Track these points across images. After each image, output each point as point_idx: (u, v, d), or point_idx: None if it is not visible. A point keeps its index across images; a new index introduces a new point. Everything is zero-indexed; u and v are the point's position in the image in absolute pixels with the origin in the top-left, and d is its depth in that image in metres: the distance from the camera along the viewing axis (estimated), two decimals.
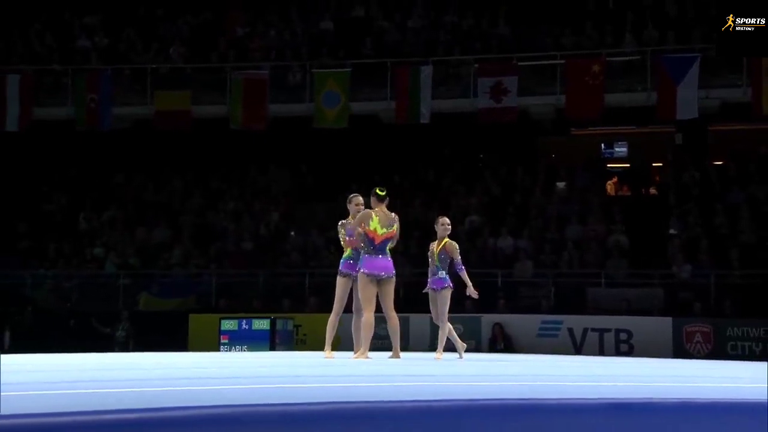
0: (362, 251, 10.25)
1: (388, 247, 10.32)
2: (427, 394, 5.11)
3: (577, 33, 23.28)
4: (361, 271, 10.23)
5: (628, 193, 24.67)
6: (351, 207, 10.66)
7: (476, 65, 22.49)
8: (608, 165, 25.75)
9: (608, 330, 18.27)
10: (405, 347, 18.25)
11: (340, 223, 10.83)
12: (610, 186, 25.14)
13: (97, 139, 23.45)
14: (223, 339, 17.36)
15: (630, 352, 17.88)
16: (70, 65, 23.55)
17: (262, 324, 17.09)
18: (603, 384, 6.43)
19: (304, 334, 18.74)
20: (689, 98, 21.51)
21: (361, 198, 10.65)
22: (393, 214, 10.33)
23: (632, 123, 25.34)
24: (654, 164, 25.47)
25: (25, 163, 24.13)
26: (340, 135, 22.73)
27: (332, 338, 11.02)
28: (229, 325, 17.29)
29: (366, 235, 10.10)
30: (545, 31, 23.39)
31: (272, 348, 16.81)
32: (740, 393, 5.56)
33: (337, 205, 23.08)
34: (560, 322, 18.51)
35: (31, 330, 18.73)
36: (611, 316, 18.65)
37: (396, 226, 10.27)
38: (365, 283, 10.28)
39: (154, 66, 23.33)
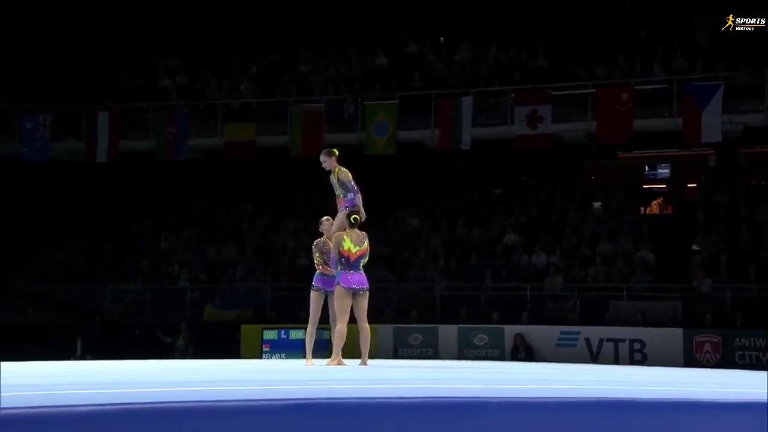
0: (339, 268, 10.36)
1: (361, 264, 10.42)
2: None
3: (609, 63, 22.99)
4: (339, 284, 10.34)
5: (670, 213, 24.25)
6: (323, 228, 10.81)
7: (513, 95, 22.43)
8: (644, 186, 25.32)
9: (623, 340, 17.95)
10: (434, 355, 18.41)
11: (314, 243, 10.92)
12: (655, 206, 24.73)
13: (176, 167, 24.07)
14: (265, 348, 17.72)
15: (643, 361, 17.57)
16: (153, 102, 24.27)
17: (298, 334, 17.31)
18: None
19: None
20: (713, 123, 21.06)
21: (330, 217, 10.80)
22: (362, 232, 10.42)
23: (675, 146, 24.89)
24: (690, 185, 24.97)
25: (114, 190, 24.89)
26: (390, 161, 22.90)
27: (311, 348, 11.07)
28: (270, 335, 17.61)
29: (341, 254, 10.24)
30: (580, 62, 23.17)
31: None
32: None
33: (387, 225, 23.33)
34: (578, 333, 18.26)
35: (100, 339, 19.29)
36: (626, 327, 18.31)
37: (366, 243, 10.36)
38: (341, 296, 10.35)
39: (224, 102, 23.88)
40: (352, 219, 10.34)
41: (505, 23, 24.71)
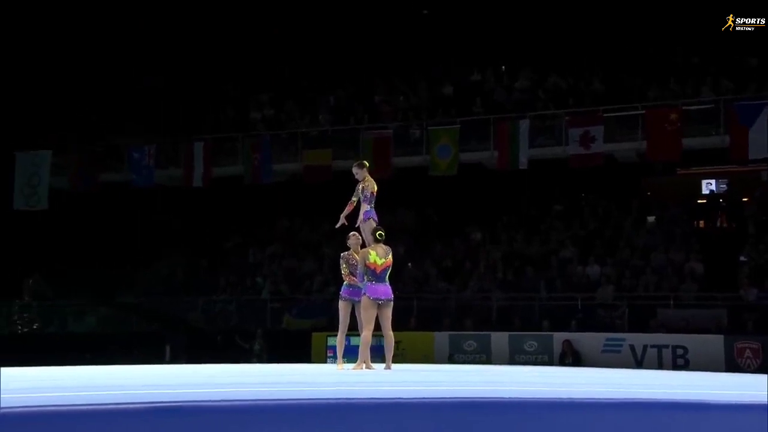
0: (366, 280, 10.22)
1: (387, 276, 10.26)
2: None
3: (661, 86, 22.30)
4: (366, 295, 10.21)
5: (724, 226, 23.31)
6: (351, 242, 10.70)
7: (567, 118, 21.94)
8: (700, 201, 24.38)
9: (666, 346, 17.24)
10: (487, 360, 18.04)
11: (341, 256, 10.81)
12: (713, 219, 23.82)
13: (262, 190, 24.28)
14: (329, 353, 17.62)
15: (686, 366, 16.84)
16: (241, 133, 24.60)
17: (358, 340, 17.13)
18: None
19: (403, 349, 18.68)
20: (759, 140, 20.22)
21: (357, 233, 10.68)
22: (387, 246, 10.25)
23: (733, 162, 23.93)
24: (744, 199, 23.97)
25: (208, 211, 25.30)
26: (454, 181, 22.62)
27: (342, 353, 10.96)
28: (333, 341, 17.42)
29: (368, 267, 10.10)
30: (633, 86, 22.53)
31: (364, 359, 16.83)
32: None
33: (452, 241, 23.03)
34: (623, 340, 17.62)
35: (186, 345, 19.50)
36: (669, 333, 17.58)
37: (390, 256, 10.20)
38: (368, 306, 10.23)
39: (303, 130, 24.04)
40: (377, 235, 10.22)
41: (564, 51, 24.21)
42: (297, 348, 19.01)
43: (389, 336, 10.47)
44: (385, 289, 10.15)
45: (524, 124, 21.86)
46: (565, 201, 23.50)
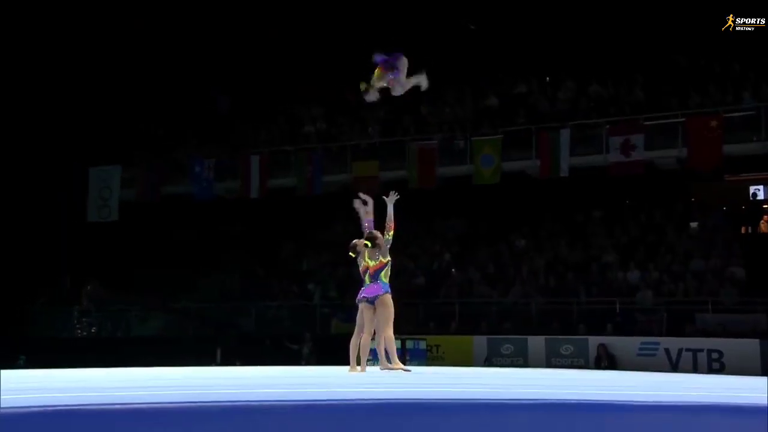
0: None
1: (382, 275, 10.30)
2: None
3: (702, 94, 21.81)
4: (360, 297, 10.39)
5: None
6: (359, 248, 10.79)
7: (607, 126, 21.64)
8: (745, 207, 23.73)
9: (701, 350, 16.84)
10: (524, 364, 17.85)
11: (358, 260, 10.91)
12: (763, 224, 23.22)
13: (315, 200, 24.45)
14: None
15: (721, 370, 16.41)
16: (295, 146, 24.86)
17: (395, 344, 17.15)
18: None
19: (443, 352, 18.64)
20: None
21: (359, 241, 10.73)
22: (376, 249, 10.21)
23: None
24: None
25: (264, 221, 25.62)
26: (497, 189, 22.49)
27: (355, 357, 10.99)
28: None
29: (363, 270, 10.30)
30: (673, 94, 22.09)
31: (403, 362, 16.81)
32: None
33: (499, 248, 22.85)
34: (657, 343, 17.27)
35: (236, 348, 19.74)
36: (704, 338, 17.16)
37: (377, 261, 10.20)
38: (362, 308, 10.41)
39: (353, 143, 24.19)
40: (365, 243, 10.34)
41: (605, 60, 23.89)
42: (344, 351, 19.01)
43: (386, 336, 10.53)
44: (376, 288, 10.24)
45: (565, 133, 21.66)
46: (608, 208, 23.13)
